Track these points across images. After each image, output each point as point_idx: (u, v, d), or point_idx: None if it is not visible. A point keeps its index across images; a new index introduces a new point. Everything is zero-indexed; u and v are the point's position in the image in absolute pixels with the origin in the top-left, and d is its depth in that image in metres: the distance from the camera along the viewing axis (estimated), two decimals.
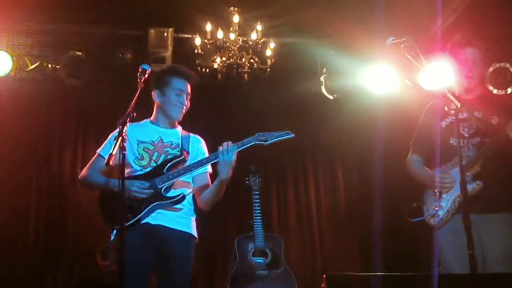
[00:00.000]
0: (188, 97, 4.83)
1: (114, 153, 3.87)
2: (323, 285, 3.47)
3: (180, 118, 4.83)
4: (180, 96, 4.76)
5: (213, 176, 4.72)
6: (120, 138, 3.91)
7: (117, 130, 4.68)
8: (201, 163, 4.63)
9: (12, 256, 7.30)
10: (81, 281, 7.14)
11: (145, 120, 4.85)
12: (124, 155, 3.93)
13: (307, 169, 8.35)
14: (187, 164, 4.69)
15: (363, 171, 8.17)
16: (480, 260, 4.37)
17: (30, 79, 6.96)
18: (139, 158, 4.65)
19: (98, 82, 7.11)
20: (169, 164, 4.63)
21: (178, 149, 4.75)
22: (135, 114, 4.34)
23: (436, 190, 4.75)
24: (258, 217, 6.63)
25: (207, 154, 4.87)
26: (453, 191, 4.66)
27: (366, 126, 7.67)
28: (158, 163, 4.65)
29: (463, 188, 4.11)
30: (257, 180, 6.78)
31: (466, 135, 4.66)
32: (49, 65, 6.93)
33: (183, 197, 4.61)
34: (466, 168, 4.41)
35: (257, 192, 6.73)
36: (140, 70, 4.35)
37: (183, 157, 4.69)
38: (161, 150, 4.71)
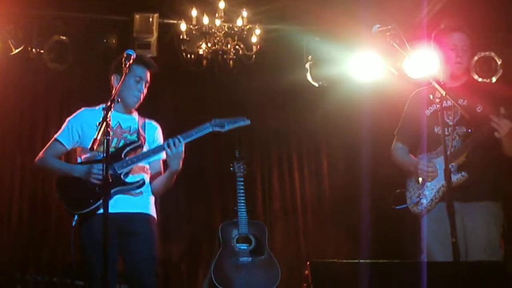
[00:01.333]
0: (147, 85, 4.83)
1: (98, 138, 3.86)
2: (306, 272, 3.49)
3: (136, 106, 4.83)
4: (139, 83, 4.76)
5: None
6: (104, 124, 3.90)
7: (75, 114, 4.81)
8: (159, 150, 4.66)
9: None
10: (65, 265, 7.11)
11: (100, 105, 4.69)
12: (108, 141, 3.93)
13: (292, 156, 8.34)
14: (144, 149, 4.73)
15: (348, 159, 8.18)
16: (463, 248, 4.40)
17: (14, 63, 6.91)
18: (97, 144, 4.50)
19: (82, 67, 7.08)
20: (127, 149, 4.64)
21: (136, 134, 4.76)
22: (119, 99, 4.35)
23: (419, 178, 4.77)
24: (242, 204, 6.63)
25: (161, 141, 4.90)
26: (437, 180, 4.68)
27: (351, 113, 7.67)
28: (115, 146, 4.65)
29: (447, 177, 4.13)
30: (242, 167, 6.78)
31: (451, 123, 4.67)
32: (33, 50, 6.88)
33: (144, 183, 4.63)
34: (451, 158, 4.43)
35: (242, 179, 6.73)
36: (124, 55, 4.33)
37: (140, 142, 4.71)
38: (120, 135, 4.71)
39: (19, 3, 6.65)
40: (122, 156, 4.60)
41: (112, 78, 4.81)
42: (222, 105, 7.71)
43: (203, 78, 7.57)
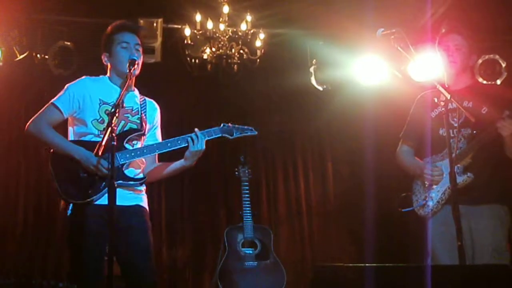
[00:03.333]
0: (139, 48, 4.52)
1: (103, 143, 3.81)
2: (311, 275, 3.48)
3: (133, 72, 4.35)
4: (127, 48, 4.45)
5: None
6: (109, 129, 3.79)
7: (76, 81, 4.50)
8: (166, 146, 4.44)
9: (1, 245, 7.28)
10: (70, 271, 7.12)
11: (101, 76, 4.59)
12: (113, 146, 3.82)
13: (296, 160, 8.34)
14: (146, 137, 4.53)
15: (353, 162, 8.18)
16: (469, 251, 4.39)
17: (19, 69, 6.92)
18: (98, 120, 4.34)
19: (87, 72, 7.07)
20: (128, 137, 4.39)
21: (137, 116, 4.50)
22: (123, 104, 4.32)
23: (425, 181, 4.76)
24: (248, 208, 6.63)
25: (158, 125, 4.69)
26: (443, 182, 4.67)
27: (355, 117, 7.67)
28: (117, 130, 4.30)
29: (452, 179, 4.12)
30: (247, 171, 6.78)
31: (456, 124, 4.66)
32: (38, 55, 6.89)
33: (145, 181, 4.46)
34: (456, 160, 4.42)
35: (247, 183, 6.73)
36: (129, 60, 4.29)
37: (142, 131, 4.47)
38: (122, 115, 4.38)
39: (23, 9, 6.66)
40: (124, 144, 4.37)
41: (102, 58, 4.55)
42: (226, 109, 7.71)
43: (207, 83, 7.58)
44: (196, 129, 4.45)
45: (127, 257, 4.31)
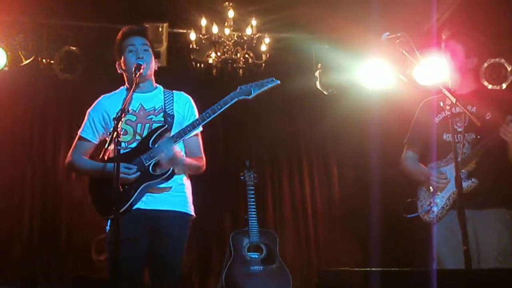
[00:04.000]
0: (147, 49, 4.49)
1: (109, 148, 3.81)
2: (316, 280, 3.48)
3: (146, 72, 4.39)
4: (133, 51, 4.44)
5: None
6: (115, 133, 3.80)
7: (94, 105, 4.54)
8: (185, 131, 4.32)
9: (6, 251, 7.28)
10: (75, 276, 7.13)
11: (120, 88, 4.60)
12: (119, 151, 3.83)
13: (302, 164, 8.34)
14: (172, 131, 4.39)
15: (358, 167, 8.17)
16: (474, 256, 4.38)
17: (25, 74, 6.93)
18: (122, 133, 4.21)
19: (92, 77, 7.09)
20: (153, 137, 4.33)
21: (162, 114, 4.43)
22: (129, 109, 4.31)
23: (430, 187, 4.76)
24: (253, 213, 6.64)
25: (196, 111, 4.61)
26: (448, 188, 4.66)
27: (361, 121, 7.67)
28: (143, 135, 4.34)
29: (458, 184, 4.12)
30: (252, 176, 6.79)
31: (460, 129, 4.65)
32: (44, 60, 6.90)
33: (173, 173, 4.31)
34: (461, 165, 4.41)
35: (252, 188, 6.74)
36: (134, 65, 4.30)
37: (166, 126, 4.38)
38: (144, 119, 4.40)
39: (28, 13, 6.67)
40: (150, 145, 4.30)
41: (116, 67, 4.58)
42: (232, 113, 7.71)
43: (212, 87, 7.58)
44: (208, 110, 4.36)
45: (156, 258, 4.34)
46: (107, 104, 4.51)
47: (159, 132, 4.37)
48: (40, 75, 7.03)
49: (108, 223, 4.28)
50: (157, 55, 4.76)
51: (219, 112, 4.39)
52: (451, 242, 4.49)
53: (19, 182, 7.53)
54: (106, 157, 3.82)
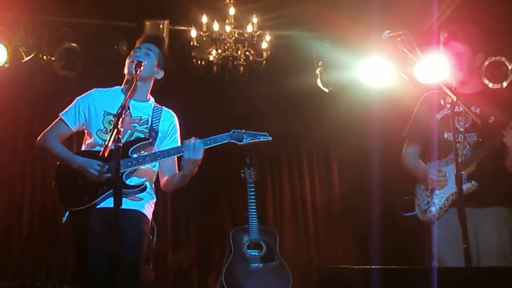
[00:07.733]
0: (151, 53, 4.49)
1: (109, 145, 3.79)
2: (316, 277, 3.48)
3: (135, 71, 4.27)
4: (136, 52, 4.48)
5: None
6: (115, 130, 3.73)
7: (85, 94, 4.53)
8: (169, 153, 4.31)
9: (6, 247, 7.29)
10: (75, 272, 7.13)
11: (115, 87, 4.59)
12: (119, 148, 3.75)
13: (302, 162, 8.35)
14: (155, 147, 4.41)
15: (358, 164, 8.16)
16: (474, 254, 4.37)
17: (25, 70, 6.93)
18: (103, 131, 4.35)
19: (93, 74, 7.08)
20: (134, 146, 4.31)
21: (146, 125, 4.43)
22: (129, 107, 4.30)
23: (428, 186, 4.75)
24: (253, 210, 6.64)
25: (178, 131, 4.62)
26: (446, 188, 4.64)
27: (361, 119, 7.66)
28: (123, 139, 4.23)
29: (459, 185, 4.11)
30: (252, 173, 6.79)
31: (462, 129, 4.63)
32: (44, 57, 6.90)
33: (145, 188, 4.30)
34: (461, 167, 4.40)
35: (252, 185, 6.74)
36: (135, 62, 4.30)
37: (150, 140, 4.37)
38: (128, 125, 4.37)
39: (29, 10, 6.67)
40: (129, 153, 4.27)
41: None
42: (232, 111, 7.72)
43: (213, 85, 7.58)
44: (192, 138, 4.30)
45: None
46: (98, 98, 4.49)
47: (142, 143, 4.37)
48: (40, 72, 7.01)
49: (66, 214, 4.25)
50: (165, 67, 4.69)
51: (207, 147, 4.33)
52: (451, 240, 4.48)
53: (19, 180, 7.52)
54: (106, 154, 3.78)
